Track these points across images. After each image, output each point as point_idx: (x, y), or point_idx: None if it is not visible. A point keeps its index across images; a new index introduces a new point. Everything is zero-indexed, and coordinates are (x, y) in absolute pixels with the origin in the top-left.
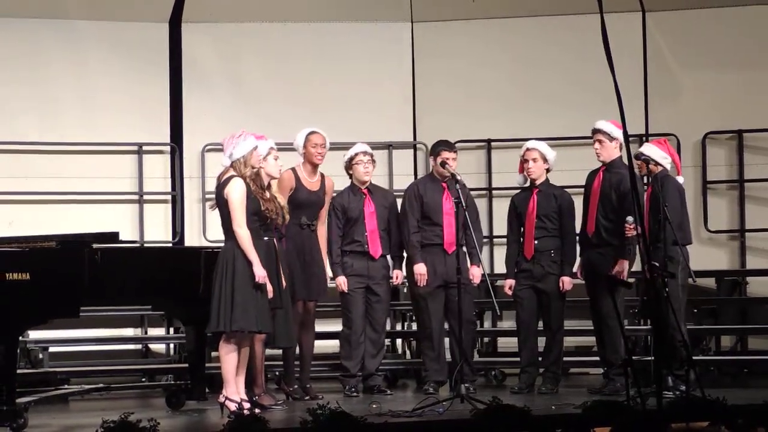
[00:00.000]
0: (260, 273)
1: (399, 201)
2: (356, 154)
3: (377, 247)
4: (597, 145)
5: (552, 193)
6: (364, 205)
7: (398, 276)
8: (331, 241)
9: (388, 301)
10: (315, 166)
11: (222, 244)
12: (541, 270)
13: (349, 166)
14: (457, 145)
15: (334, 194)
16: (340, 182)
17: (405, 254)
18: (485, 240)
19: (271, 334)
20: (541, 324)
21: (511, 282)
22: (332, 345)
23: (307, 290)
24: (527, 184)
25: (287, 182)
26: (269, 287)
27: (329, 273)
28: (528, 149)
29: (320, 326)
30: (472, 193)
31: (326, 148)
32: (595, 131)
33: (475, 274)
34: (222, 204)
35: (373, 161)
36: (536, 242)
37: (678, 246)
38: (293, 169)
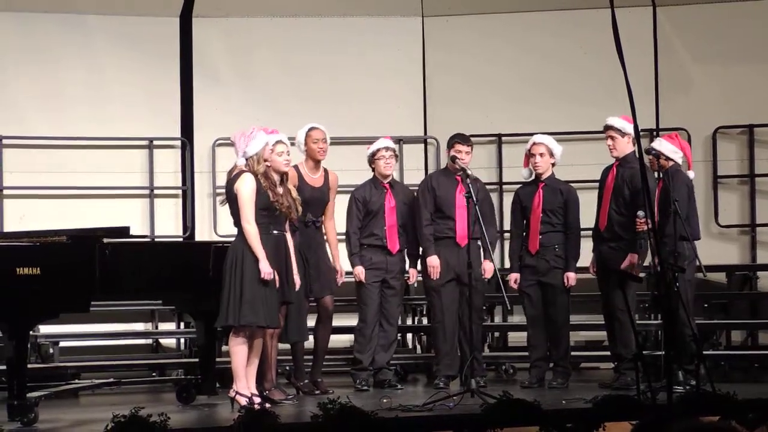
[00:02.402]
0: (266, 269)
1: None
2: (378, 149)
3: (395, 242)
4: (609, 141)
5: (558, 188)
6: (385, 199)
7: (413, 275)
8: (349, 233)
9: (402, 295)
10: (317, 162)
11: (233, 239)
12: (546, 264)
13: (372, 160)
14: None
15: (343, 187)
16: (348, 177)
17: (418, 252)
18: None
19: (283, 329)
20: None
21: (516, 276)
22: (342, 339)
23: (314, 287)
24: (532, 178)
25: (290, 180)
26: (276, 282)
27: (338, 267)
28: (535, 143)
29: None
30: None
31: (327, 142)
32: (607, 128)
33: (487, 268)
34: (232, 199)
35: (396, 156)
36: (541, 237)
37: (686, 241)
38: (295, 167)
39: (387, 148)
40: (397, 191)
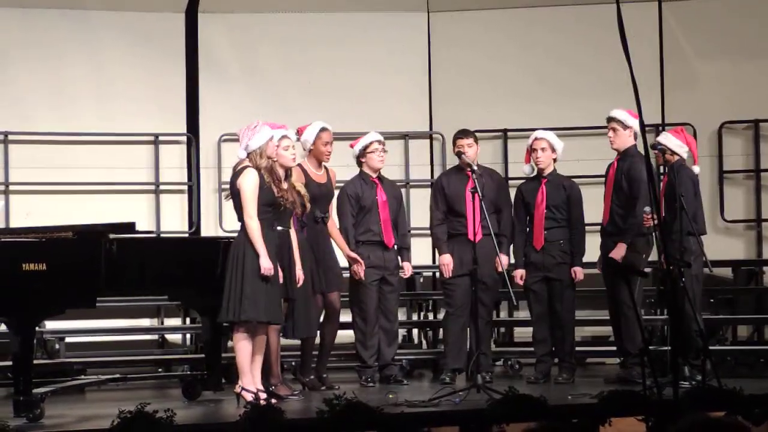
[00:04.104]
0: (266, 265)
1: (412, 191)
2: (371, 143)
3: (390, 236)
4: (611, 133)
5: (561, 184)
6: (376, 194)
7: (407, 268)
8: (346, 230)
9: (400, 290)
10: (321, 162)
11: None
12: (551, 260)
13: (363, 154)
14: None
15: (341, 183)
16: (353, 173)
17: (410, 246)
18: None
19: (288, 325)
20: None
21: (521, 272)
22: (349, 335)
23: (324, 283)
24: (534, 174)
25: (297, 178)
26: (280, 278)
27: (352, 255)
28: (536, 138)
29: None
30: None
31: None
32: (610, 119)
33: (501, 261)
34: (235, 194)
35: (385, 150)
36: (546, 233)
37: (693, 236)
38: (299, 165)
39: (379, 142)
40: (386, 185)
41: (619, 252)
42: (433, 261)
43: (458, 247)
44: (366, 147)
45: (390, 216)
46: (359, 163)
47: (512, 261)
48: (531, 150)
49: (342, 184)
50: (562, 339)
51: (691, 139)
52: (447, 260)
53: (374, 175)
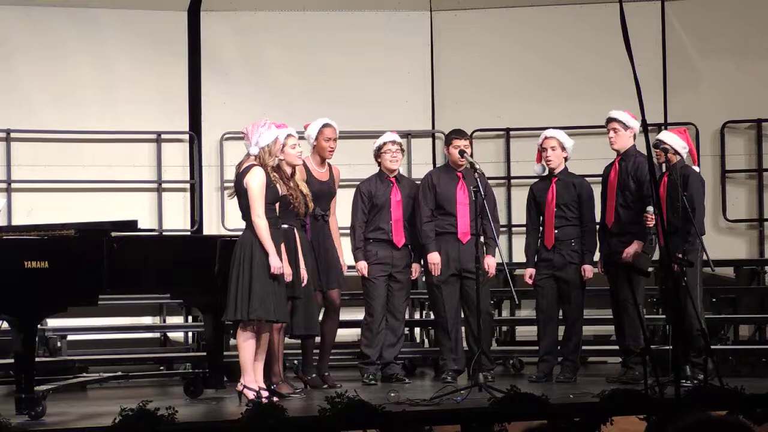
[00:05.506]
0: (276, 264)
1: None
2: (384, 143)
3: (401, 236)
4: (612, 133)
5: (572, 182)
6: (391, 193)
7: (416, 269)
8: (354, 227)
9: (408, 289)
10: (324, 158)
11: (240, 233)
12: (561, 259)
13: (378, 154)
14: (475, 134)
15: (347, 182)
16: (355, 171)
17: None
18: (503, 229)
19: (289, 324)
20: (560, 313)
21: (531, 271)
22: (350, 333)
23: (323, 280)
24: (545, 173)
25: (298, 174)
26: (287, 276)
27: (344, 261)
28: (546, 137)
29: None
30: (490, 182)
31: (336, 141)
32: (610, 120)
33: (490, 264)
34: (241, 193)
35: (402, 150)
36: (557, 231)
37: (696, 236)
38: (302, 161)
39: (393, 142)
40: (403, 185)
41: (633, 248)
42: None
43: (446, 246)
44: (380, 147)
45: (403, 216)
46: (378, 162)
47: (507, 260)
48: (541, 149)
49: (347, 183)
50: (568, 339)
51: (691, 141)
52: (436, 259)
53: (391, 175)
